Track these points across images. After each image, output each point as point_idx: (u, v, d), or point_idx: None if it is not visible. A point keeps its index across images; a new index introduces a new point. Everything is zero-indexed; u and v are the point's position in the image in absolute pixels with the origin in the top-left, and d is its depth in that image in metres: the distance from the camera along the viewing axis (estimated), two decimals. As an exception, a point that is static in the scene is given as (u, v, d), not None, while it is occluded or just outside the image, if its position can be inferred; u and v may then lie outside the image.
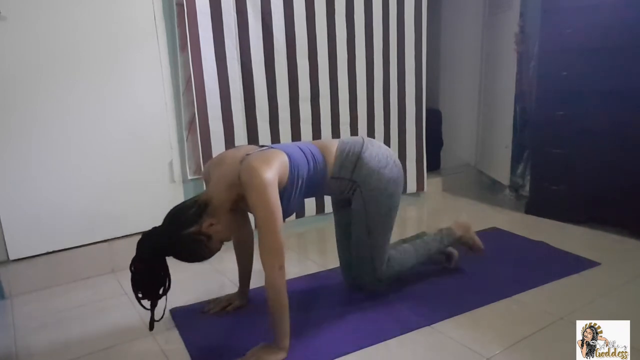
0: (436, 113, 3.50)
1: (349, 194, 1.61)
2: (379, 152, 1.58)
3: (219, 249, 1.40)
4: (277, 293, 1.31)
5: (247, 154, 1.42)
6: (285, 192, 1.42)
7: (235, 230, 1.59)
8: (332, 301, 1.72)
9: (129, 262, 1.26)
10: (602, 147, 2.29)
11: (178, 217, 1.34)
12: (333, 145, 1.58)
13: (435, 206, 3.03)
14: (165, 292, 1.36)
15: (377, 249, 1.62)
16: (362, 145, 1.57)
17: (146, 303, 1.34)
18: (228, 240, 1.42)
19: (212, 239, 1.35)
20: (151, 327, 1.36)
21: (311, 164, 1.50)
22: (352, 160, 1.54)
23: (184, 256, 1.35)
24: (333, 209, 1.79)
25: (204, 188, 1.61)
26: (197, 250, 1.34)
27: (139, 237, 1.33)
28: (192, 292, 1.79)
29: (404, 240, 1.85)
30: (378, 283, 1.67)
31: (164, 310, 1.40)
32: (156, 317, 1.36)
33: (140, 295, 1.32)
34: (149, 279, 1.32)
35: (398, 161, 1.63)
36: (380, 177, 1.55)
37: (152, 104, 2.10)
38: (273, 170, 1.34)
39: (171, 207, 1.38)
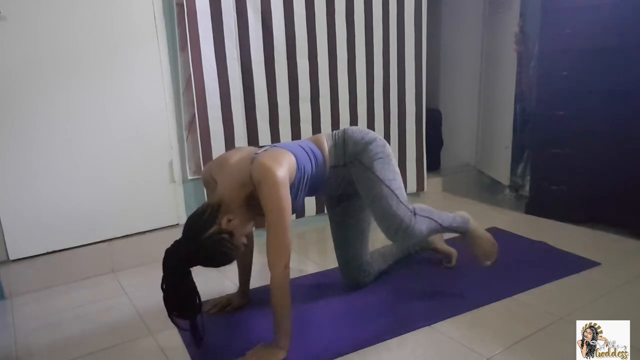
0: (436, 113, 3.50)
1: (346, 184, 1.61)
2: (359, 128, 1.66)
3: (244, 244, 1.40)
4: (281, 292, 1.32)
5: (256, 153, 1.42)
6: (292, 190, 1.43)
7: (252, 220, 1.55)
8: (332, 301, 1.72)
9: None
10: (602, 147, 2.29)
11: (195, 223, 1.34)
12: (323, 139, 1.62)
13: (435, 206, 2.98)
14: (199, 308, 1.35)
15: (390, 181, 1.55)
16: (344, 129, 1.65)
17: (182, 323, 1.35)
18: (249, 233, 1.42)
19: (234, 235, 1.35)
20: (199, 344, 1.37)
21: (313, 161, 1.52)
22: (341, 144, 1.59)
23: (211, 260, 1.34)
24: (327, 209, 1.79)
25: (204, 191, 1.60)
26: (224, 250, 1.33)
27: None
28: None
29: None
30: (412, 216, 1.56)
31: (204, 327, 1.39)
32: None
33: (176, 314, 1.32)
34: (181, 295, 1.31)
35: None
36: (366, 139, 1.59)
37: (152, 103, 2.10)
38: (284, 168, 1.36)
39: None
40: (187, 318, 1.35)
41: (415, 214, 1.58)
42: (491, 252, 1.71)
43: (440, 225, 1.65)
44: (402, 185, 1.61)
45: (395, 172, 1.60)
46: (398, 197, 1.56)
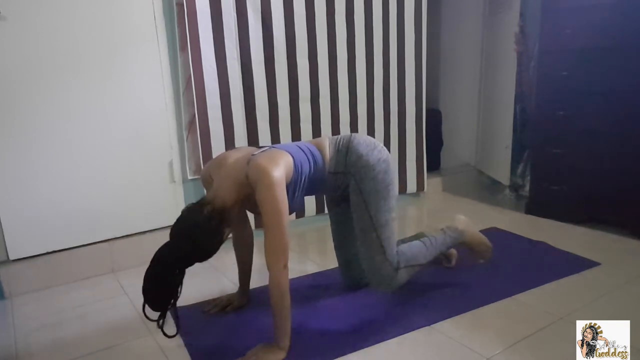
0: (436, 113, 3.50)
1: (345, 188, 1.60)
2: (366, 139, 1.61)
3: (226, 237, 1.41)
4: (281, 292, 1.32)
5: (253, 154, 1.42)
6: (289, 190, 1.43)
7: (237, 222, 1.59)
8: (332, 301, 1.72)
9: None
10: (602, 147, 2.29)
11: (188, 212, 1.38)
12: (326, 142, 1.60)
13: (435, 206, 3.03)
14: (168, 305, 1.35)
15: (382, 228, 1.53)
16: (350, 136, 1.60)
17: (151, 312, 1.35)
18: (230, 226, 1.43)
19: (224, 220, 1.37)
20: (166, 334, 1.38)
21: (312, 162, 1.52)
22: (344, 152, 1.56)
23: (204, 243, 1.35)
24: (328, 208, 1.79)
25: (204, 191, 1.61)
26: (216, 234, 1.35)
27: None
28: (192, 292, 1.78)
29: (403, 241, 1.84)
30: (394, 272, 1.55)
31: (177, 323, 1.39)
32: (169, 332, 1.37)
33: (155, 305, 1.33)
34: (166, 287, 1.32)
35: (384, 147, 1.63)
36: (369, 157, 1.54)
37: (152, 104, 2.10)
38: (281, 169, 1.36)
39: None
40: (154, 309, 1.34)
41: (398, 269, 1.56)
42: (485, 254, 1.79)
43: (426, 264, 1.66)
44: (394, 227, 1.57)
45: (390, 209, 1.55)
46: (384, 251, 1.53)
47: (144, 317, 1.34)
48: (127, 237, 2.11)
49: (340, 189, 1.61)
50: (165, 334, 1.36)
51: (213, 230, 1.34)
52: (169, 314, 1.37)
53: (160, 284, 1.31)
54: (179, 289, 1.34)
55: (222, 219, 1.36)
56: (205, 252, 1.36)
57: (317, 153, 1.55)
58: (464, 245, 1.79)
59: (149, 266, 1.31)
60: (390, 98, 2.78)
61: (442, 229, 1.76)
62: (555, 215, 2.52)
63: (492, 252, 1.80)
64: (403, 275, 1.58)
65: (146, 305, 1.32)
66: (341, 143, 1.58)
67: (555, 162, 2.50)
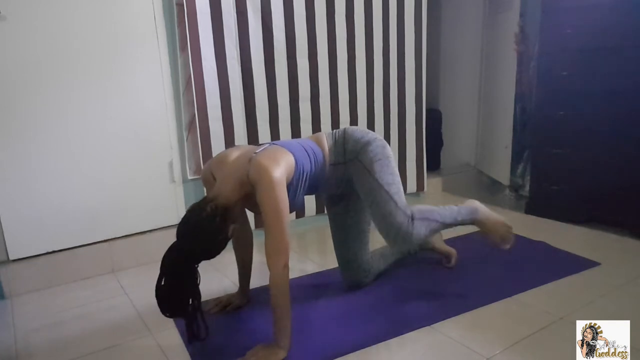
0: (436, 113, 3.50)
1: (347, 181, 1.61)
2: (360, 128, 1.66)
3: (232, 235, 1.41)
4: (281, 291, 1.32)
5: (255, 152, 1.43)
6: (290, 188, 1.44)
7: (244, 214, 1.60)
8: (332, 301, 1.72)
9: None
10: (602, 147, 2.29)
11: (191, 211, 1.36)
12: (324, 137, 1.63)
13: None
14: (192, 308, 1.36)
15: (389, 185, 1.55)
16: (344, 128, 1.66)
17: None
18: (234, 223, 1.43)
19: (227, 217, 1.36)
20: (191, 341, 1.39)
21: (312, 159, 1.53)
22: (341, 142, 1.60)
23: (207, 241, 1.35)
24: (327, 208, 1.79)
25: (204, 190, 1.61)
26: (219, 231, 1.35)
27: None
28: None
29: None
30: (410, 222, 1.54)
31: (199, 326, 1.39)
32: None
33: (167, 314, 1.34)
34: (175, 292, 1.32)
35: None
36: (366, 138, 1.60)
37: (152, 104, 2.10)
38: (282, 168, 1.37)
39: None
40: (177, 316, 1.35)
41: (413, 219, 1.56)
42: (507, 235, 1.69)
43: (442, 223, 1.63)
44: (401, 188, 1.60)
45: (394, 174, 1.60)
46: (396, 203, 1.55)
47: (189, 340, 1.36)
48: (127, 237, 2.11)
49: (342, 184, 1.62)
50: (199, 339, 1.38)
51: (217, 228, 1.34)
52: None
53: (180, 287, 1.32)
54: (198, 287, 1.35)
55: (226, 216, 1.36)
56: (209, 251, 1.36)
57: (317, 149, 1.57)
58: (480, 227, 1.70)
59: (161, 273, 1.30)
60: (390, 98, 2.78)
61: (455, 205, 1.71)
62: (555, 215, 2.52)
63: (513, 234, 1.70)
64: (420, 229, 1.56)
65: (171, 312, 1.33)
66: (337, 135, 1.63)
67: (555, 162, 2.50)
